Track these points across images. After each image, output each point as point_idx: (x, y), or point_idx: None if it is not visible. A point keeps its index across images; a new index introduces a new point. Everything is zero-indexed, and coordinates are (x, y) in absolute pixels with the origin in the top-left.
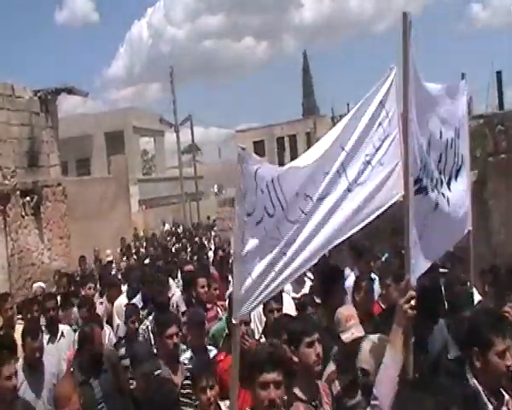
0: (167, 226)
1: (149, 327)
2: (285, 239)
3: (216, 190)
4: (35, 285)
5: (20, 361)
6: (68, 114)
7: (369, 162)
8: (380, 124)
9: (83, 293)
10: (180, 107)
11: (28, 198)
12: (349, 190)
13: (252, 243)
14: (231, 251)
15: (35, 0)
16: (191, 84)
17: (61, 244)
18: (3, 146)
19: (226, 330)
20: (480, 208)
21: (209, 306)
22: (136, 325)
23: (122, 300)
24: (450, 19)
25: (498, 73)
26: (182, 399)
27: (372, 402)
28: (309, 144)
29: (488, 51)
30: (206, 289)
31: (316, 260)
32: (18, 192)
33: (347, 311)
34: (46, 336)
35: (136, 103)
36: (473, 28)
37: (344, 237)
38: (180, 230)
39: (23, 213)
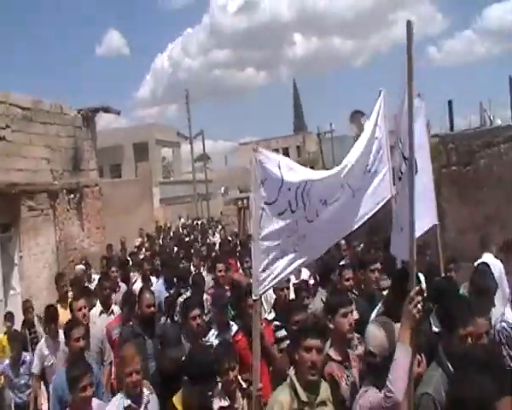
0: (183, 220)
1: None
2: (299, 233)
3: (223, 191)
4: (77, 267)
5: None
6: (104, 128)
7: (369, 171)
8: (376, 138)
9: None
10: (194, 123)
11: (72, 196)
12: (353, 196)
13: (270, 228)
14: (237, 242)
15: (81, 38)
16: (203, 105)
17: (97, 233)
18: (54, 153)
19: (232, 312)
20: (437, 210)
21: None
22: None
23: (138, 284)
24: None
25: (449, 102)
26: None
27: (387, 394)
28: (299, 155)
29: (441, 85)
30: (223, 273)
31: (321, 254)
32: (64, 191)
33: None
34: (99, 309)
35: (159, 120)
36: (429, 66)
37: (345, 234)
38: (199, 222)
39: (68, 208)
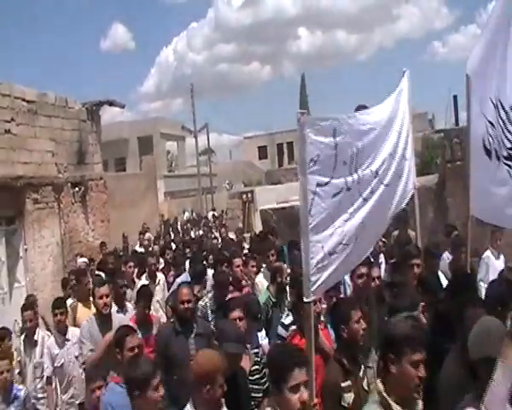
0: (187, 214)
1: (208, 304)
2: (356, 219)
3: (227, 185)
4: (79, 260)
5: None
6: (109, 122)
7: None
8: (402, 125)
9: (123, 270)
10: (198, 117)
11: (77, 189)
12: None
13: (323, 215)
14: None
15: (85, 33)
16: (208, 99)
17: (102, 226)
18: (59, 147)
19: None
20: (441, 204)
21: (243, 283)
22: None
23: (143, 281)
24: (417, 52)
25: (455, 97)
26: (251, 386)
27: None
28: None
29: (446, 80)
30: (242, 268)
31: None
32: (69, 184)
33: None
34: (114, 307)
35: (163, 114)
36: (434, 61)
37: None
38: (210, 216)
39: (73, 201)
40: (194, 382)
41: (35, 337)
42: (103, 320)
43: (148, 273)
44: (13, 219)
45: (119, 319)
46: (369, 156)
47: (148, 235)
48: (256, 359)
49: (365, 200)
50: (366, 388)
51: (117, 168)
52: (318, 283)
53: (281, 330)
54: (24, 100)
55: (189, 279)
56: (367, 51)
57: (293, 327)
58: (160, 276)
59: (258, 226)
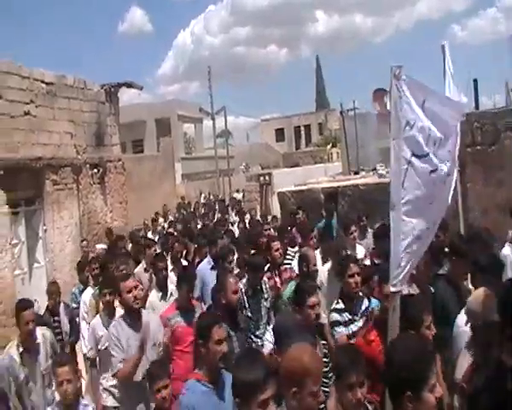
0: (204, 196)
1: (242, 290)
2: (438, 200)
3: (243, 167)
4: (97, 247)
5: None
6: (127, 103)
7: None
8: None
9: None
10: (215, 100)
11: (95, 170)
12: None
13: (418, 191)
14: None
15: (103, 16)
16: (225, 82)
17: (120, 208)
18: (77, 128)
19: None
20: (460, 189)
21: (283, 268)
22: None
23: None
24: (435, 35)
25: (475, 81)
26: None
27: None
28: (321, 133)
29: (465, 63)
30: (281, 251)
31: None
32: (88, 165)
33: None
34: (158, 294)
35: (181, 96)
36: (453, 44)
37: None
38: (240, 196)
39: (91, 182)
40: (282, 379)
41: (37, 341)
42: (134, 318)
43: (171, 258)
44: (32, 200)
45: (161, 307)
46: (444, 136)
47: (160, 220)
48: (324, 350)
49: (444, 183)
50: None
51: (134, 150)
52: (406, 270)
53: (336, 316)
54: (43, 82)
55: (212, 264)
56: (384, 34)
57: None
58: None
59: (275, 209)
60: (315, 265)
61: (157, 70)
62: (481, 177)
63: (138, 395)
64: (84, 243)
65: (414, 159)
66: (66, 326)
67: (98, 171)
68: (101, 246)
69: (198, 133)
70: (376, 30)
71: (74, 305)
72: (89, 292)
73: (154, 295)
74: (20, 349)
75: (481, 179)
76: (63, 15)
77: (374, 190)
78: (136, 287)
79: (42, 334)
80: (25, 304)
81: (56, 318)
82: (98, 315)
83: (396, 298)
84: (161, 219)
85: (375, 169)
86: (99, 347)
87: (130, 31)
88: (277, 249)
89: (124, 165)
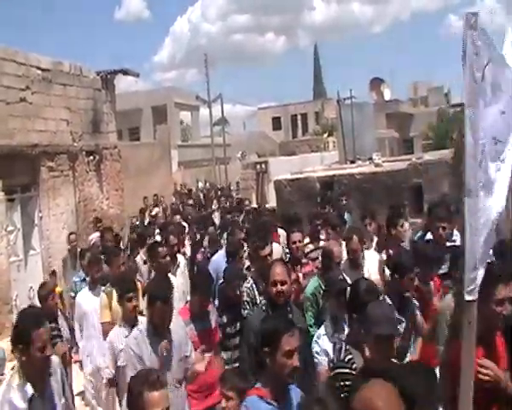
0: (201, 184)
1: (253, 286)
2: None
3: (240, 156)
4: (92, 235)
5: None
6: (123, 91)
7: None
8: None
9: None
10: (212, 87)
11: (91, 157)
12: None
13: (497, 172)
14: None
15: (100, 2)
16: (222, 70)
17: (116, 195)
18: (73, 115)
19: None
20: (457, 179)
21: (304, 261)
22: None
23: None
24: (433, 25)
25: None
26: None
27: None
28: (317, 122)
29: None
30: (299, 244)
31: None
32: (84, 152)
33: None
34: None
35: (177, 84)
36: (450, 34)
37: None
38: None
39: (87, 169)
40: None
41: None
42: (160, 329)
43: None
44: (28, 186)
45: (176, 325)
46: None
47: (156, 210)
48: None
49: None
50: None
51: (131, 138)
52: (481, 273)
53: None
54: (39, 68)
55: (226, 257)
56: (382, 23)
57: None
58: (180, 258)
59: (271, 197)
60: (340, 261)
61: (154, 57)
62: None
63: None
64: (73, 236)
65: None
66: (66, 333)
67: (94, 158)
68: (95, 235)
69: (194, 121)
70: (374, 19)
71: (73, 294)
72: (86, 291)
73: None
74: (30, 391)
75: None
76: (60, 1)
77: (370, 179)
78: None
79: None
80: (36, 319)
81: (54, 324)
82: (118, 326)
83: (472, 310)
84: (157, 209)
85: (371, 158)
86: (118, 363)
87: (127, 17)
88: (298, 241)
89: (120, 152)
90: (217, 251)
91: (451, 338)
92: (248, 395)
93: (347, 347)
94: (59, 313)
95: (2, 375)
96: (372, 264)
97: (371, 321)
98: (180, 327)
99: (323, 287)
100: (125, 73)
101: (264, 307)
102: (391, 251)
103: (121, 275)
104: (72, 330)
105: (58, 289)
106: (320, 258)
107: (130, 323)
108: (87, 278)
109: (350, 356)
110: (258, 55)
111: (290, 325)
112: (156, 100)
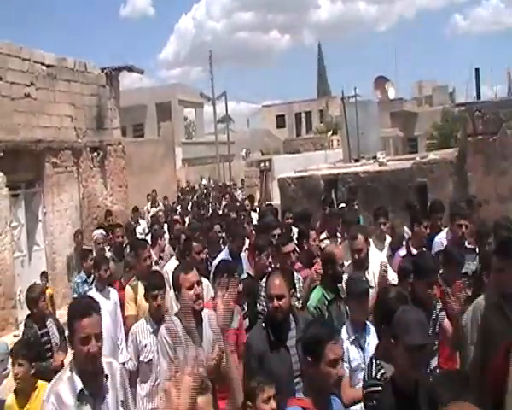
0: (204, 181)
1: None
2: None
3: (244, 153)
4: (96, 232)
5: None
6: (128, 87)
7: None
8: None
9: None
10: (217, 85)
11: (96, 153)
12: None
13: None
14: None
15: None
16: (226, 67)
17: (120, 191)
18: (78, 111)
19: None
20: (461, 179)
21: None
22: None
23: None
24: (438, 24)
25: (477, 70)
26: None
27: None
28: (322, 120)
29: (467, 53)
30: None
31: None
32: (88, 148)
33: None
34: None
35: (182, 81)
36: (455, 33)
37: None
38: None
39: (91, 166)
40: None
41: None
42: (195, 322)
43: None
44: (32, 182)
45: (209, 319)
46: None
47: (154, 210)
48: None
49: None
50: None
51: (135, 134)
52: None
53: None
54: (43, 64)
55: (229, 258)
56: (387, 22)
57: None
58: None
59: (275, 195)
60: (342, 265)
61: (159, 54)
62: (482, 166)
63: None
64: (79, 235)
65: None
66: (56, 337)
67: (98, 154)
68: (99, 231)
69: (199, 118)
70: (379, 18)
71: (75, 295)
72: (93, 292)
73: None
74: (79, 386)
75: (482, 169)
76: None
77: (374, 177)
78: (198, 282)
79: (109, 364)
80: (82, 309)
81: (44, 330)
82: (143, 319)
83: None
84: (154, 209)
85: (375, 157)
86: (141, 358)
87: (132, 14)
88: (315, 239)
89: (124, 149)
90: (218, 253)
91: (485, 341)
92: (290, 405)
93: (378, 361)
94: (48, 316)
95: (5, 370)
96: (376, 264)
97: (403, 330)
98: (212, 319)
99: (328, 297)
100: (130, 69)
101: (263, 324)
102: (414, 250)
103: (150, 271)
104: (62, 332)
105: (49, 291)
106: (321, 263)
107: (157, 319)
108: (89, 279)
109: (382, 371)
110: (262, 53)
111: (334, 333)
112: (160, 97)
